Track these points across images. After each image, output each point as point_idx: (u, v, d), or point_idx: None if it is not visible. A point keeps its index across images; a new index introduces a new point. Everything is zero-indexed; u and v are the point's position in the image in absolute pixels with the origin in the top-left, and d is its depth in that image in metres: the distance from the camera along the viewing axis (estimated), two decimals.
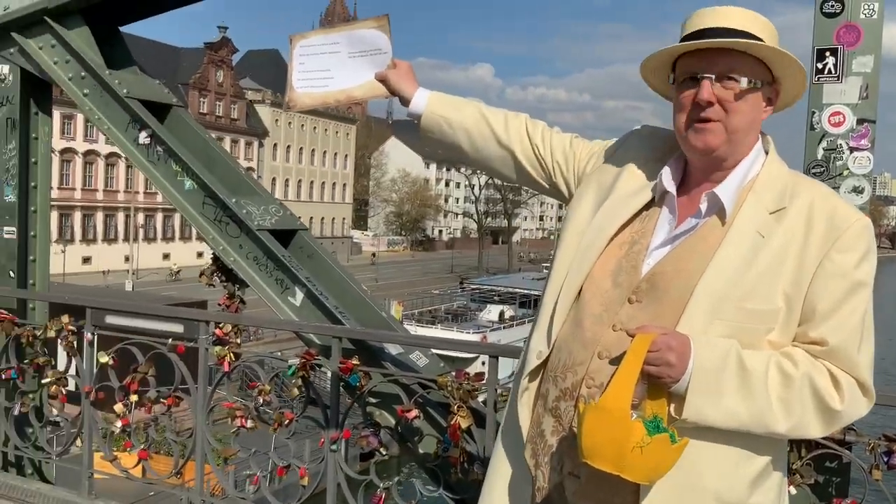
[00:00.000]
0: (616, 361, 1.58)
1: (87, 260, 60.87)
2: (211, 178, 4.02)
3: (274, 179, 77.48)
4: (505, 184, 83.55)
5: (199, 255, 71.41)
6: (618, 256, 1.71)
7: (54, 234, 50.45)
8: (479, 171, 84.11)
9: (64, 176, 58.49)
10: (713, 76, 1.62)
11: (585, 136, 2.01)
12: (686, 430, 1.54)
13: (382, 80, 2.09)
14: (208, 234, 4.01)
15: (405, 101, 2.05)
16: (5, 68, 4.60)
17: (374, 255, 75.67)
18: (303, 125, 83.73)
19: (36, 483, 4.39)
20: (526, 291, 45.51)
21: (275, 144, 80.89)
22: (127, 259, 60.61)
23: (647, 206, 1.74)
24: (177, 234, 72.19)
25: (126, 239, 63.87)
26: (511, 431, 1.82)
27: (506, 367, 3.21)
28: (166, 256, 69.42)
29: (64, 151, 56.96)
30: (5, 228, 4.69)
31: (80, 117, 58.48)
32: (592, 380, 1.64)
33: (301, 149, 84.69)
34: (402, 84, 2.06)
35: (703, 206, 1.68)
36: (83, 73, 4.25)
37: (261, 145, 78.83)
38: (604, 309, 1.68)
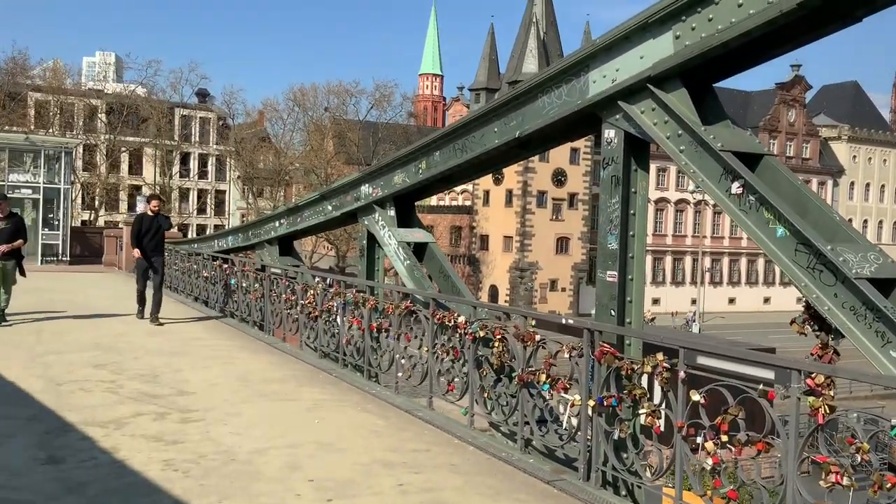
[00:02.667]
0: None
1: (655, 301, 64.60)
2: (804, 224, 3.97)
3: (850, 220, 71.37)
4: None
5: (766, 300, 69.76)
6: None
7: None
8: None
9: None
10: None
11: None
12: None
13: None
14: (800, 282, 3.96)
15: None
16: (611, 132, 5.28)
17: None
18: (885, 160, 75.58)
19: None
20: None
21: (851, 182, 74.67)
22: (693, 302, 62.40)
23: None
24: (743, 279, 71.76)
25: (693, 282, 65.93)
26: None
27: None
28: (731, 300, 69.48)
29: None
30: (608, 272, 5.36)
31: (653, 168, 62.86)
32: None
33: (883, 186, 76.44)
34: None
35: None
36: (679, 132, 4.64)
37: (835, 184, 73.61)
38: None
